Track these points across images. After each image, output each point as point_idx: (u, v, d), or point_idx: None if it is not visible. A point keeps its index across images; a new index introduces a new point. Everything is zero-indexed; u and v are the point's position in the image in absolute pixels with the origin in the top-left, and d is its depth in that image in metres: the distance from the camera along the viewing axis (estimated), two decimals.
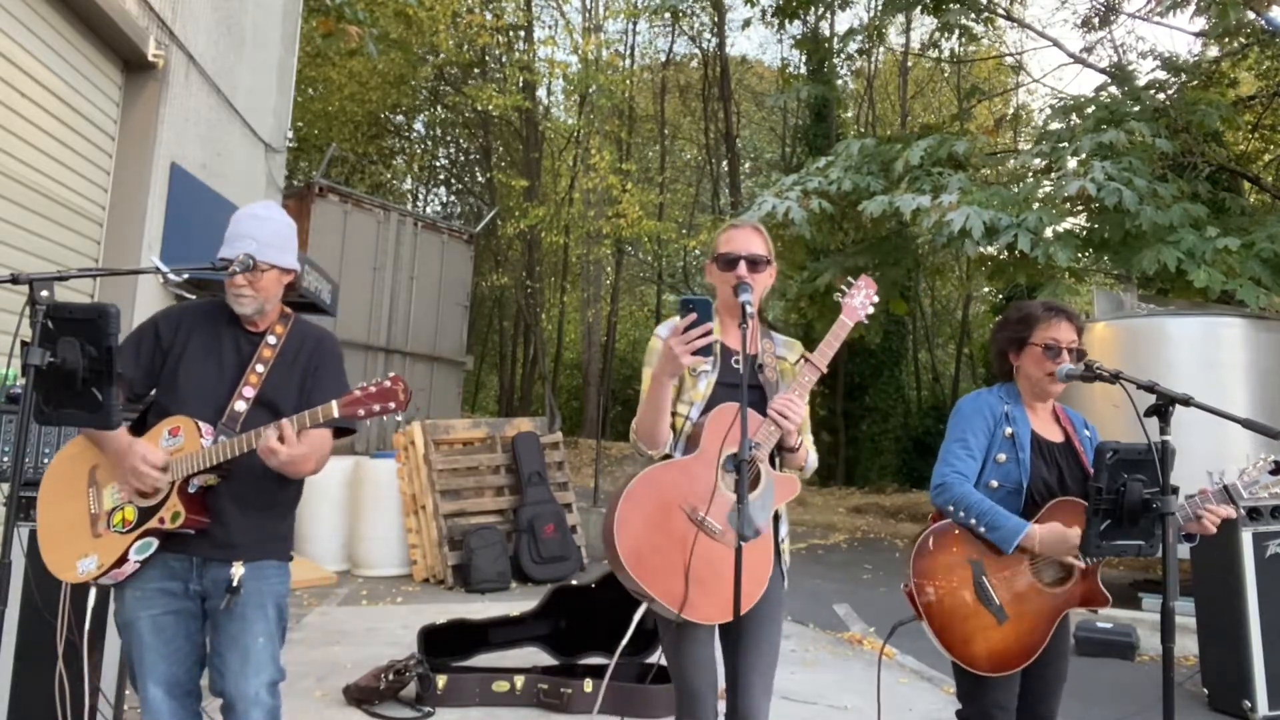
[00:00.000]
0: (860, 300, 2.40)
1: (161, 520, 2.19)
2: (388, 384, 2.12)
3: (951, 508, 2.44)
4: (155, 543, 2.22)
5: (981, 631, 2.38)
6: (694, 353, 2.08)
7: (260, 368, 2.35)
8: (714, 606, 2.13)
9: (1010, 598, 2.40)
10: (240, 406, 2.30)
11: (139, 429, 2.34)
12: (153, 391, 2.38)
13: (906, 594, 2.47)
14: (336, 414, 2.13)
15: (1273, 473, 2.47)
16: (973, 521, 2.41)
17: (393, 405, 2.11)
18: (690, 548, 2.13)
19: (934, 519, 2.54)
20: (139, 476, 2.20)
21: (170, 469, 2.21)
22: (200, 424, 2.25)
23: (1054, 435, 2.60)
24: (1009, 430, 2.52)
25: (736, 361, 2.34)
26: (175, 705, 2.27)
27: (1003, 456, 2.50)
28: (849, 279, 2.48)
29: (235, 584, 2.25)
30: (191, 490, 2.24)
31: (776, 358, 2.40)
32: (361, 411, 2.12)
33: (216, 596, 2.27)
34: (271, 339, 2.39)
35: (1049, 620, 2.42)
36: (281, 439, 2.13)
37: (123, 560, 2.20)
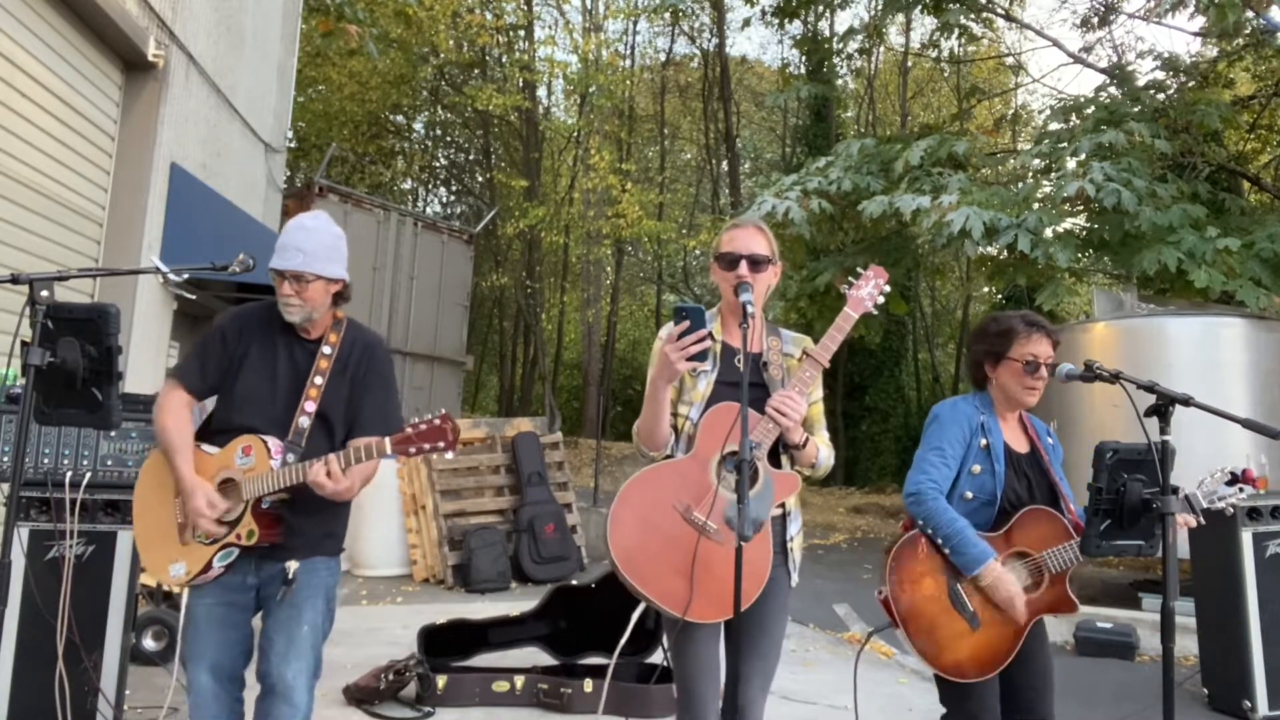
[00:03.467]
0: (869, 291, 2.36)
1: (239, 537, 2.30)
2: (438, 423, 2.19)
3: (923, 521, 2.46)
4: (236, 550, 2.33)
5: (956, 638, 2.40)
6: (690, 358, 2.13)
7: (319, 380, 2.42)
8: (709, 605, 2.14)
9: (983, 605, 2.42)
10: (304, 422, 2.39)
11: (204, 435, 2.43)
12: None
13: (882, 602, 2.48)
14: (389, 452, 2.22)
15: (1229, 484, 2.51)
16: (939, 541, 2.43)
17: (442, 445, 2.19)
18: (690, 547, 2.14)
19: (905, 526, 2.54)
20: (197, 521, 2.31)
21: (244, 487, 2.30)
22: (269, 442, 2.33)
23: (1021, 446, 2.62)
24: (985, 441, 2.54)
25: (739, 360, 2.34)
26: (220, 690, 2.41)
27: (978, 468, 2.52)
28: (859, 269, 2.43)
29: (290, 576, 2.37)
30: (265, 507, 2.33)
31: (784, 355, 2.38)
32: (412, 450, 2.20)
33: (272, 586, 2.40)
34: (326, 349, 2.46)
35: (1022, 625, 2.44)
36: (329, 474, 2.22)
37: (208, 568, 2.32)
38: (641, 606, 2.30)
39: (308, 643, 2.39)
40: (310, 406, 2.39)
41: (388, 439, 2.21)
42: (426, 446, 2.18)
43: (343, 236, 2.50)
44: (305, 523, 2.40)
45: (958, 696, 2.46)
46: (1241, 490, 2.50)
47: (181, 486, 2.33)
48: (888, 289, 2.39)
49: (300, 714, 2.36)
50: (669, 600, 2.13)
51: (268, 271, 2.41)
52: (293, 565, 2.37)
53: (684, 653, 2.25)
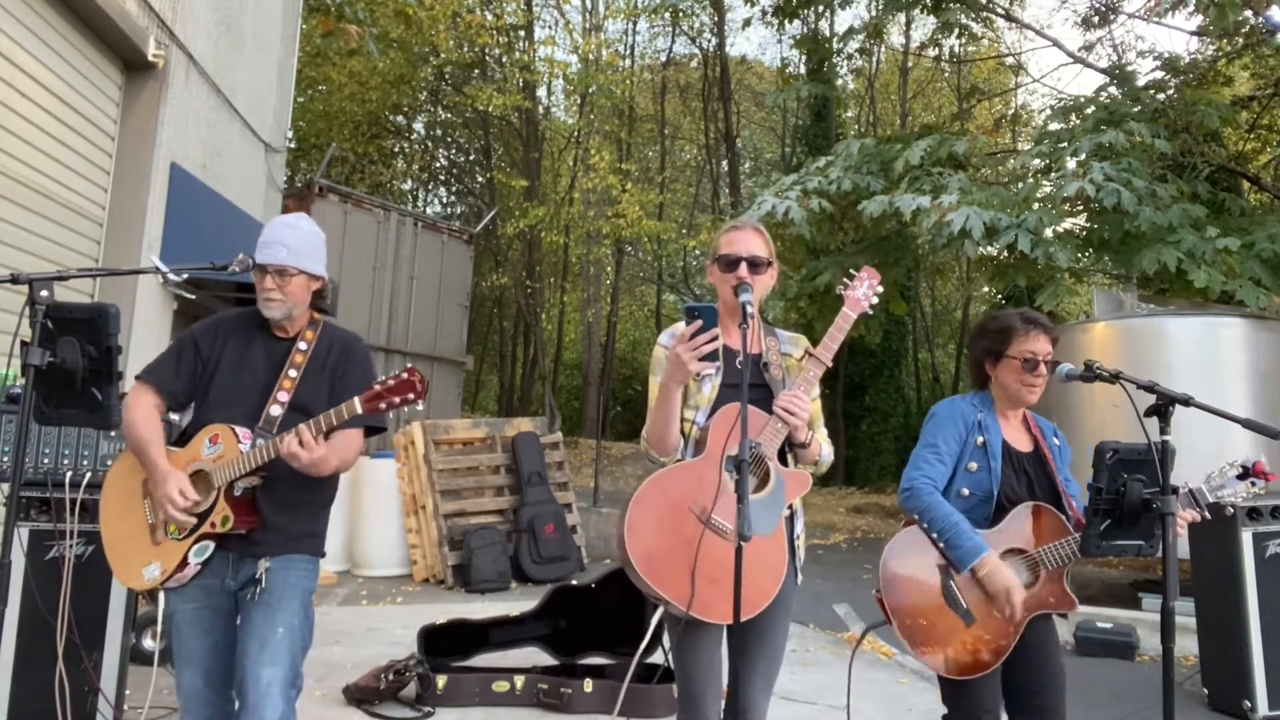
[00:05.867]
0: (864, 291, 2.40)
1: (213, 524, 2.27)
2: (405, 376, 2.18)
3: (917, 516, 2.48)
4: (212, 545, 2.31)
5: (950, 634, 2.41)
6: (701, 358, 2.11)
7: (293, 373, 2.42)
8: (728, 605, 2.13)
9: (977, 601, 2.43)
10: (275, 411, 2.37)
11: (182, 442, 2.40)
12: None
13: (877, 598, 2.50)
14: (360, 410, 2.19)
15: (1240, 477, 2.49)
16: (934, 535, 2.44)
17: (412, 396, 2.17)
18: (708, 549, 2.14)
19: (908, 523, 2.55)
20: (169, 507, 2.27)
21: (214, 475, 2.28)
22: (237, 430, 2.31)
23: (1023, 444, 2.62)
24: (981, 439, 2.54)
25: (740, 361, 2.34)
26: (210, 693, 2.38)
27: (974, 465, 2.53)
28: (852, 271, 2.47)
29: (258, 575, 2.33)
30: (238, 493, 2.30)
31: (782, 355, 2.39)
32: (383, 405, 2.18)
33: (249, 589, 2.35)
34: (302, 345, 2.46)
35: (1017, 623, 2.44)
36: (301, 443, 2.19)
37: (183, 564, 2.28)
38: (660, 612, 2.29)
39: (283, 646, 2.29)
40: (283, 397, 2.38)
41: (357, 398, 2.18)
42: (397, 400, 2.17)
43: (323, 237, 2.53)
44: (282, 518, 2.37)
45: (957, 695, 2.47)
46: (1254, 484, 2.48)
47: (154, 476, 2.29)
48: (880, 289, 2.43)
49: None
50: (684, 600, 2.13)
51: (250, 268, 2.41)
52: (264, 564, 2.33)
53: (686, 653, 2.25)
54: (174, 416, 2.49)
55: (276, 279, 2.37)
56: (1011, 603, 2.39)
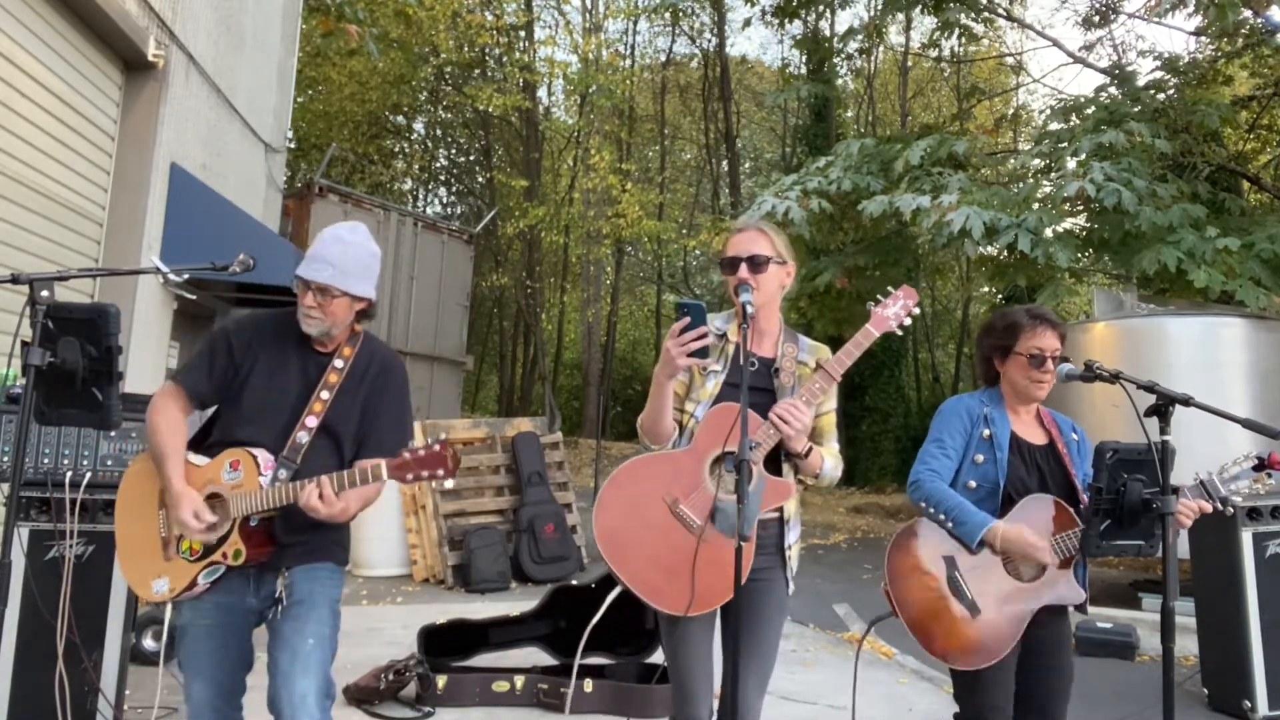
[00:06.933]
0: (895, 310, 2.32)
1: (224, 555, 2.19)
2: (437, 449, 2.07)
3: (923, 504, 2.49)
4: (223, 568, 2.23)
5: (956, 625, 2.42)
6: (691, 354, 2.12)
7: (325, 394, 2.31)
8: (682, 598, 2.14)
9: (983, 592, 2.43)
10: (303, 438, 2.27)
11: (201, 440, 2.34)
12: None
13: (884, 592, 2.51)
14: (385, 476, 2.10)
15: (1256, 469, 2.47)
16: (941, 517, 2.45)
17: (441, 473, 2.06)
18: (671, 539, 2.15)
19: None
20: (184, 530, 2.20)
21: (231, 504, 2.20)
22: (259, 458, 2.21)
23: (1037, 438, 2.61)
24: (987, 432, 2.55)
25: (752, 363, 2.33)
26: (221, 703, 2.33)
27: (980, 458, 2.54)
28: (889, 289, 2.38)
29: (279, 593, 2.28)
30: (253, 524, 2.23)
31: (798, 363, 2.36)
32: (410, 476, 2.08)
33: (270, 608, 2.31)
34: (339, 362, 2.34)
35: (1023, 614, 2.44)
36: (322, 497, 2.12)
37: (193, 585, 2.22)
38: (618, 589, 2.31)
39: (314, 657, 2.24)
40: (311, 421, 2.28)
41: (384, 463, 2.09)
42: (425, 474, 2.06)
43: (378, 255, 2.39)
44: (294, 533, 2.28)
45: (968, 689, 2.47)
46: (1270, 475, 2.45)
47: (168, 494, 2.21)
48: (916, 311, 2.36)
49: None
50: (643, 587, 2.16)
51: (292, 278, 2.29)
52: (283, 581, 2.28)
53: (678, 649, 2.26)
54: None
55: (318, 297, 2.25)
56: (1041, 555, 2.39)
